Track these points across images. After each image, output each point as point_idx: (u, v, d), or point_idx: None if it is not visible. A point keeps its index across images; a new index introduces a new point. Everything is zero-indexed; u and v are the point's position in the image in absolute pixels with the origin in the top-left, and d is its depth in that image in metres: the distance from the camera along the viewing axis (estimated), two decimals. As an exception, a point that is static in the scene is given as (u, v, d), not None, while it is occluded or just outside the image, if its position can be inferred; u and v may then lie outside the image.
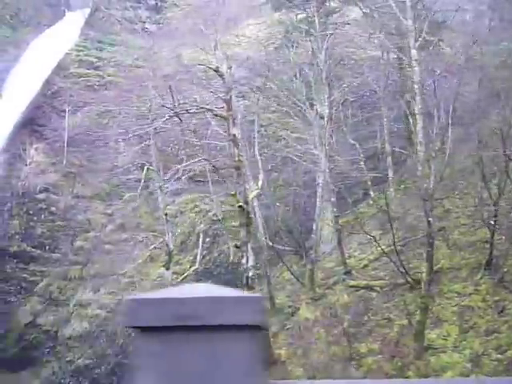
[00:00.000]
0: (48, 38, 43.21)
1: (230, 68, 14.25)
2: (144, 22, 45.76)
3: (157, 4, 46.85)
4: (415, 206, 19.19)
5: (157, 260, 30.20)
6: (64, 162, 34.01)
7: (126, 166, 35.22)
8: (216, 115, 13.62)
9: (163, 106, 14.27)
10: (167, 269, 21.46)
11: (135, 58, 41.03)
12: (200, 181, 32.60)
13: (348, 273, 17.76)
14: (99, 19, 45.17)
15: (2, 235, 30.82)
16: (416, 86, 11.64)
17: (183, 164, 31.12)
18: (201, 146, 31.29)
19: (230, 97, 13.57)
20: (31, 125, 37.08)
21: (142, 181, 32.46)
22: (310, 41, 21.73)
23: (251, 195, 13.81)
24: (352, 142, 22.90)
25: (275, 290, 20.52)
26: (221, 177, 19.19)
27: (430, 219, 11.69)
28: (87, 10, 48.29)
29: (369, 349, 13.36)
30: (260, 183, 15.54)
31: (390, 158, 21.71)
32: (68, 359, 27.60)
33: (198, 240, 29.74)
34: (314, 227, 24.26)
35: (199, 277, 28.72)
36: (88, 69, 39.28)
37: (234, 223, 30.90)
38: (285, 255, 24.08)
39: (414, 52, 11.67)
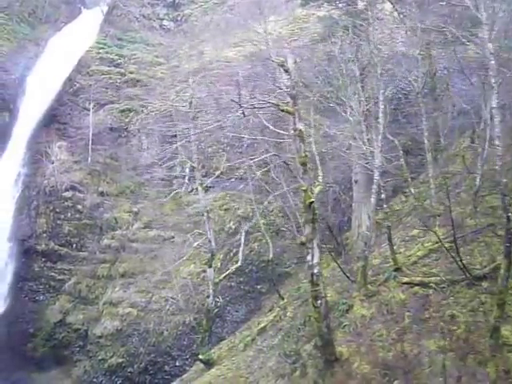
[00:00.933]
0: (67, 35, 43.00)
1: (295, 62, 14.01)
2: (162, 19, 45.56)
3: (174, 1, 46.61)
4: (457, 202, 19.07)
5: (186, 258, 30.00)
6: (89, 159, 33.78)
7: (150, 164, 35.15)
8: (282, 110, 13.36)
9: (232, 100, 13.96)
10: (210, 266, 21.25)
11: (155, 55, 40.89)
12: (228, 178, 32.52)
13: (398, 270, 17.52)
14: (117, 16, 45.03)
15: (30, 234, 30.64)
16: (493, 80, 11.44)
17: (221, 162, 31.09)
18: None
19: (296, 92, 13.34)
20: (54, 123, 36.93)
21: (187, 178, 32.36)
22: (355, 36, 21.46)
23: (316, 190, 13.61)
24: (390, 137, 22.58)
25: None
26: (292, 174, 18.79)
27: (510, 214, 11.50)
28: (104, 8, 48.09)
29: (438, 345, 13.18)
30: (320, 178, 15.34)
31: (429, 155, 21.49)
32: (100, 358, 27.41)
33: (227, 238, 29.70)
34: (354, 224, 24.15)
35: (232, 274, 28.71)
36: (109, 66, 39.03)
37: (263, 221, 30.96)
38: (323, 252, 23.95)
39: (489, 45, 11.47)
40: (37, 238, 30.59)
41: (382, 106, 18.57)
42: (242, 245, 21.75)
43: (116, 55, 39.83)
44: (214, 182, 32.99)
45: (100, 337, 27.92)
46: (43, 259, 30.34)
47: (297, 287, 22.95)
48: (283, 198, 22.17)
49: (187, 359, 27.07)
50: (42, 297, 29.65)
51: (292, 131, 13.48)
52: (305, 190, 12.41)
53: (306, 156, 13.26)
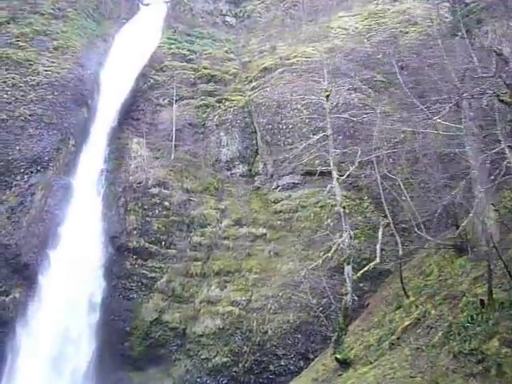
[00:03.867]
0: (131, 31, 42.61)
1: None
2: (224, 15, 45.10)
3: (236, -3, 46.20)
4: None
5: (282, 255, 29.48)
6: (172, 156, 33.24)
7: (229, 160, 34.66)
8: (502, 101, 12.75)
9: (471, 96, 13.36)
10: (348, 263, 20.63)
11: (225, 50, 40.42)
12: (314, 175, 31.89)
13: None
14: (181, 12, 44.54)
15: (120, 231, 30.10)
16: None
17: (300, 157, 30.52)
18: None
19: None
20: (128, 119, 36.42)
21: (269, 174, 31.81)
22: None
23: None
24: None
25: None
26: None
27: None
28: (162, 4, 47.77)
29: None
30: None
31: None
32: (203, 357, 26.83)
33: (327, 235, 29.04)
34: (476, 221, 23.46)
35: (332, 272, 28.15)
36: (181, 62, 38.54)
37: (359, 217, 30.39)
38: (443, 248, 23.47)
39: None
40: (127, 235, 30.01)
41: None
42: (380, 241, 21.08)
43: (187, 51, 39.36)
44: (300, 179, 32.69)
45: (201, 335, 27.34)
46: (134, 257, 29.76)
47: (422, 285, 22.37)
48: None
49: (292, 358, 26.51)
50: (135, 295, 29.06)
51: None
52: None
53: None
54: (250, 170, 34.21)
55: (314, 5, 44.11)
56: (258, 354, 26.47)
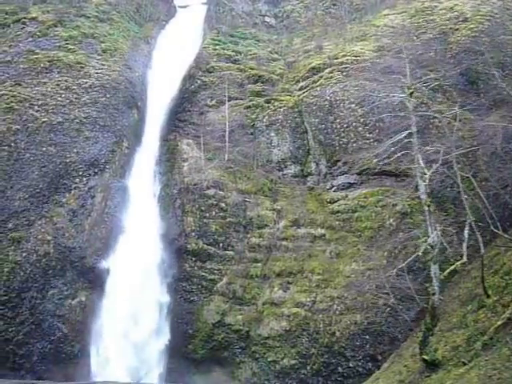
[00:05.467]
0: (172, 33, 42.62)
1: None
2: (264, 16, 44.92)
3: (275, -3, 46.01)
4: None
5: (343, 256, 29.12)
6: (226, 157, 33.02)
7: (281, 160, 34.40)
8: None
9: None
10: (434, 263, 20.25)
11: (269, 50, 40.22)
12: (372, 174, 31.53)
13: None
14: (220, 14, 44.41)
15: (179, 233, 29.89)
16: None
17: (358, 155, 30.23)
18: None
19: None
20: (175, 120, 36.31)
21: (322, 175, 31.52)
22: None
23: None
24: None
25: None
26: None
27: None
28: (198, 5, 47.76)
29: None
30: None
31: None
32: (270, 360, 26.51)
33: (390, 235, 28.69)
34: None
35: (399, 272, 27.70)
36: (227, 62, 38.34)
37: (420, 217, 29.94)
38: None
39: None
40: (186, 236, 29.79)
41: None
42: (466, 240, 20.67)
43: (232, 51, 39.17)
44: (356, 178, 32.33)
45: (267, 338, 27.01)
46: (193, 259, 29.54)
47: (503, 284, 21.94)
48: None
49: (360, 360, 26.10)
50: (195, 297, 28.81)
51: None
52: None
53: None
54: (302, 171, 33.91)
55: (355, 3, 43.83)
56: (326, 356, 26.11)
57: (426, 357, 19.89)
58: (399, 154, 21.90)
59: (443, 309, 25.71)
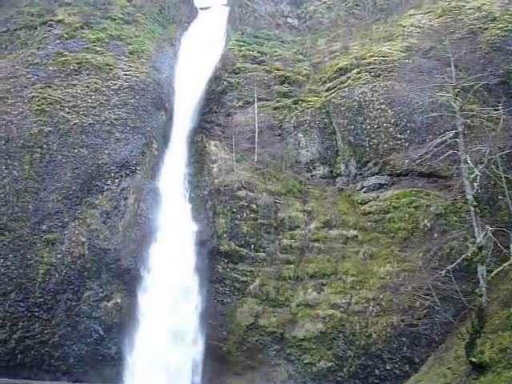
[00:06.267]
0: (195, 34, 42.56)
1: None
2: (286, 17, 44.83)
3: (297, -2, 45.92)
4: None
5: (377, 257, 28.90)
6: (255, 158, 32.92)
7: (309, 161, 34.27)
8: None
9: None
10: (482, 263, 20.06)
11: (294, 51, 40.11)
12: (403, 175, 31.32)
13: None
14: (243, 15, 44.34)
15: (211, 234, 29.77)
16: None
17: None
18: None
19: None
20: (203, 122, 36.30)
21: (351, 176, 31.36)
22: None
23: None
24: None
25: None
26: None
27: None
28: (220, 7, 47.76)
29: None
30: None
31: None
32: (306, 362, 26.33)
33: (424, 236, 28.46)
34: None
35: (434, 273, 27.47)
36: (252, 63, 38.26)
37: (454, 218, 29.68)
38: None
39: None
40: (218, 238, 29.68)
41: None
42: (513, 240, 20.46)
43: (257, 52, 39.07)
44: (387, 179, 32.10)
45: (302, 340, 26.83)
46: (225, 260, 29.41)
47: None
48: None
49: (397, 362, 25.87)
50: (228, 299, 28.67)
51: None
52: None
53: None
54: (331, 172, 33.73)
55: (378, 4, 43.65)
56: (362, 358, 25.90)
57: (473, 359, 19.65)
58: (444, 156, 21.65)
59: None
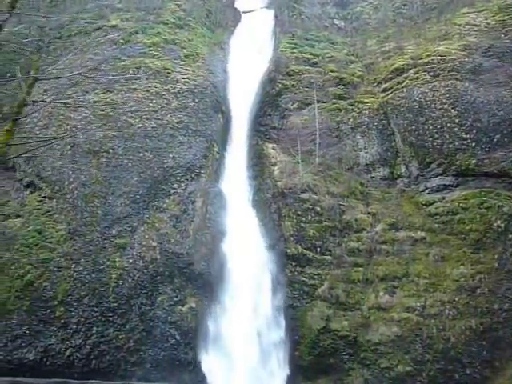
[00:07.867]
0: (242, 37, 42.56)
1: None
2: (333, 18, 44.54)
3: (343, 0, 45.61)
4: None
5: (448, 259, 28.41)
6: (317, 160, 32.63)
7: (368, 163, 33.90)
8: None
9: None
10: None
11: (345, 52, 39.81)
12: (470, 175, 30.81)
13: None
14: (290, 17, 44.17)
15: (278, 238, 29.51)
16: None
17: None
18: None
19: None
20: (258, 125, 36.10)
21: (413, 177, 30.94)
22: None
23: None
24: None
25: None
26: None
27: None
28: (263, 10, 47.65)
29: None
30: None
31: None
32: (383, 366, 25.89)
33: (498, 237, 27.93)
34: None
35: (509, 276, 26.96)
36: (305, 65, 38.02)
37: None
38: None
39: None
40: (285, 241, 29.40)
41: None
42: None
43: (310, 54, 38.79)
44: (452, 180, 31.60)
45: (377, 344, 26.41)
46: (293, 264, 29.10)
47: None
48: None
49: (477, 367, 25.32)
50: (298, 303, 28.33)
51: None
52: None
53: None
54: (392, 173, 33.30)
55: (427, 3, 43.19)
56: (441, 363, 25.41)
57: None
58: None
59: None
